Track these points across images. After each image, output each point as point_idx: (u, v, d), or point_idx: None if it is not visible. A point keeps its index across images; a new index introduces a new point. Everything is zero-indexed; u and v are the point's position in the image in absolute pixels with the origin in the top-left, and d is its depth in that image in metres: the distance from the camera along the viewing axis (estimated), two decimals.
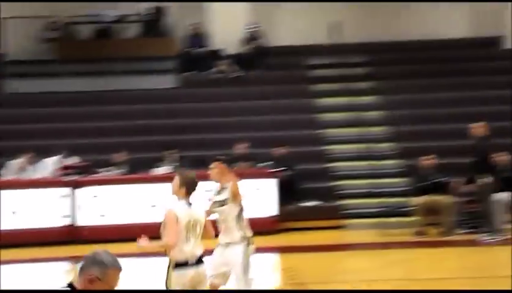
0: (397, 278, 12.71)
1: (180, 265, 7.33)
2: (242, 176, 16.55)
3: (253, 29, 20.12)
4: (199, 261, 7.44)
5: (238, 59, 20.03)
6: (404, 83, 19.58)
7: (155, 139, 18.14)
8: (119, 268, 4.27)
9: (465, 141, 16.31)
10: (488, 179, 15.30)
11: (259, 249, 15.04)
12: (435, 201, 15.65)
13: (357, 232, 16.18)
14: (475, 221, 15.50)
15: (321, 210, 16.64)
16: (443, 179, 15.88)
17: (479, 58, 20.24)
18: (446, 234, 15.44)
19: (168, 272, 7.39)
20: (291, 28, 20.75)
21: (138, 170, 16.73)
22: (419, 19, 20.83)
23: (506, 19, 20.48)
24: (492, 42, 20.70)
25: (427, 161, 15.88)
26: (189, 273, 7.34)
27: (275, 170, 16.44)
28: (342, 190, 17.20)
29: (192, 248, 7.38)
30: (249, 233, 8.72)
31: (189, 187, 7.44)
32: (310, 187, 17.02)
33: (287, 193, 16.45)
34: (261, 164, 16.87)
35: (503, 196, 15.36)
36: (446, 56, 20.17)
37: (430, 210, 15.74)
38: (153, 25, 20.62)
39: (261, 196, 16.02)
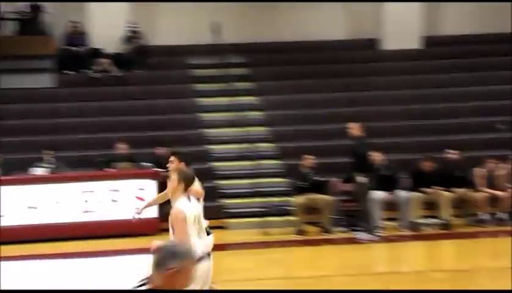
0: (277, 277, 12.86)
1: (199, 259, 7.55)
2: (122, 176, 16.50)
3: (133, 28, 19.93)
4: (209, 254, 7.80)
5: (118, 58, 19.79)
6: (283, 84, 19.80)
7: (32, 139, 17.71)
8: (194, 258, 4.24)
9: (343, 141, 16.64)
10: (365, 178, 15.66)
11: (139, 251, 14.97)
12: (314, 200, 15.89)
13: (238, 231, 16.25)
14: (353, 219, 15.83)
15: (203, 209, 16.58)
16: (322, 179, 16.15)
17: (357, 59, 20.66)
18: (325, 233, 15.71)
19: None
20: (171, 28, 20.63)
21: (14, 171, 16.28)
22: (298, 21, 21.09)
23: (383, 21, 20.98)
24: (370, 44, 21.17)
25: (307, 161, 16.12)
26: (204, 265, 7.65)
27: (156, 170, 16.32)
28: (224, 189, 17.24)
29: (202, 241, 7.67)
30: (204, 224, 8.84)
31: (187, 183, 7.65)
32: None
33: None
34: (142, 164, 16.73)
35: (379, 194, 15.75)
36: (324, 57, 20.49)
37: (309, 209, 15.99)
38: (30, 23, 20.12)
39: (142, 196, 15.90)
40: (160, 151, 16.92)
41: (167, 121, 18.74)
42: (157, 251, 4.17)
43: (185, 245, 4.25)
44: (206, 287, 7.69)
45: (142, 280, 4.19)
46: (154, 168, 16.44)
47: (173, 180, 7.73)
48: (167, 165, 8.61)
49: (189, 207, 7.62)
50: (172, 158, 8.80)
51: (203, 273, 7.61)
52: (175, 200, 7.71)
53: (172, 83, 19.70)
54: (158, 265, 4.13)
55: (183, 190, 7.65)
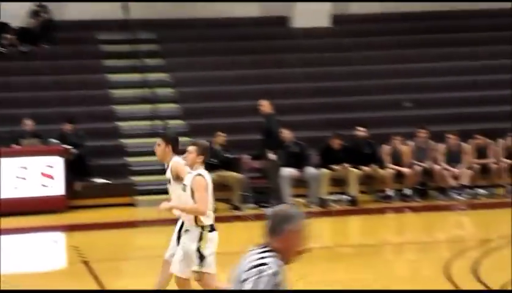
0: None
1: (212, 227, 8.02)
2: (29, 153, 16.21)
3: (40, 3, 19.50)
4: None
5: (24, 33, 19.35)
6: (194, 61, 19.71)
7: None
8: (306, 220, 4.31)
9: (253, 118, 16.72)
10: (275, 155, 15.78)
11: (47, 228, 14.79)
12: (224, 177, 15.93)
13: (148, 209, 16.17)
14: (263, 196, 15.94)
15: (112, 187, 16.49)
16: (232, 156, 16.19)
17: (267, 37, 20.72)
18: (235, 209, 15.78)
19: (201, 238, 7.93)
20: (81, 3, 20.26)
21: None
22: None
23: None
24: (280, 21, 21.24)
25: (218, 138, 16.13)
26: (216, 234, 8.03)
27: (63, 146, 16.11)
28: (134, 166, 17.12)
29: (213, 211, 8.13)
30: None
31: (206, 155, 8.11)
32: (102, 164, 16.83)
33: (77, 170, 16.18)
34: (51, 141, 16.46)
35: (288, 171, 15.90)
36: (235, 34, 20.49)
37: (220, 186, 15.99)
38: None
39: (49, 173, 15.69)
40: (68, 127, 16.67)
41: (76, 97, 18.47)
42: (271, 217, 4.31)
43: (296, 208, 4.37)
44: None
45: (261, 246, 4.28)
46: (61, 144, 16.21)
47: (191, 152, 8.03)
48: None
49: (208, 177, 8.04)
50: (158, 141, 8.81)
51: (216, 240, 8.02)
52: (195, 171, 8.05)
53: (81, 59, 19.40)
54: (274, 229, 4.26)
55: (202, 162, 8.04)
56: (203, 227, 7.98)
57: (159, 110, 18.15)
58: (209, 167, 15.69)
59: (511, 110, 18.56)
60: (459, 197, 16.31)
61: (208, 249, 7.96)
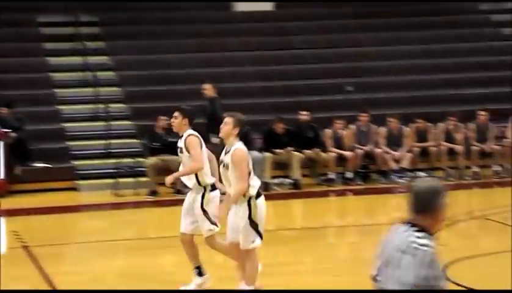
0: (130, 238, 12.85)
1: (258, 195, 8.04)
2: None
3: None
4: None
5: None
6: (135, 44, 19.58)
7: None
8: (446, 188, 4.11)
9: (197, 102, 16.67)
10: (218, 139, 15.73)
11: None
12: (167, 161, 15.87)
13: (90, 193, 16.07)
14: None
15: (53, 171, 16.32)
16: (174, 140, 16.09)
17: (210, 20, 20.64)
18: (177, 193, 15.71)
19: (250, 207, 7.96)
20: None
21: None
22: None
23: None
24: (222, 5, 21.19)
25: (160, 122, 16.05)
26: (263, 201, 8.07)
27: (3, 130, 15.88)
28: (75, 151, 16.96)
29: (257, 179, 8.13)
30: (209, 180, 8.90)
31: (241, 128, 8.08)
32: (42, 148, 16.64)
33: (17, 155, 15.97)
34: None
35: None
36: (178, 17, 20.38)
37: (162, 170, 15.94)
38: None
39: None
40: (5, 111, 16.41)
41: (16, 80, 18.21)
42: (417, 193, 4.06)
43: (436, 179, 4.20)
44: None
45: (409, 223, 4.06)
46: (0, 128, 15.97)
47: (227, 124, 8.07)
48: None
49: (246, 150, 8.06)
50: (176, 113, 9.06)
51: (263, 206, 8.07)
52: (230, 144, 8.09)
53: (21, 42, 19.12)
54: (423, 206, 4.04)
55: (237, 135, 8.03)
56: (250, 197, 8.02)
57: (100, 94, 17.98)
58: (152, 151, 15.83)
59: (451, 94, 18.87)
60: (400, 180, 16.49)
61: (259, 216, 8.02)
